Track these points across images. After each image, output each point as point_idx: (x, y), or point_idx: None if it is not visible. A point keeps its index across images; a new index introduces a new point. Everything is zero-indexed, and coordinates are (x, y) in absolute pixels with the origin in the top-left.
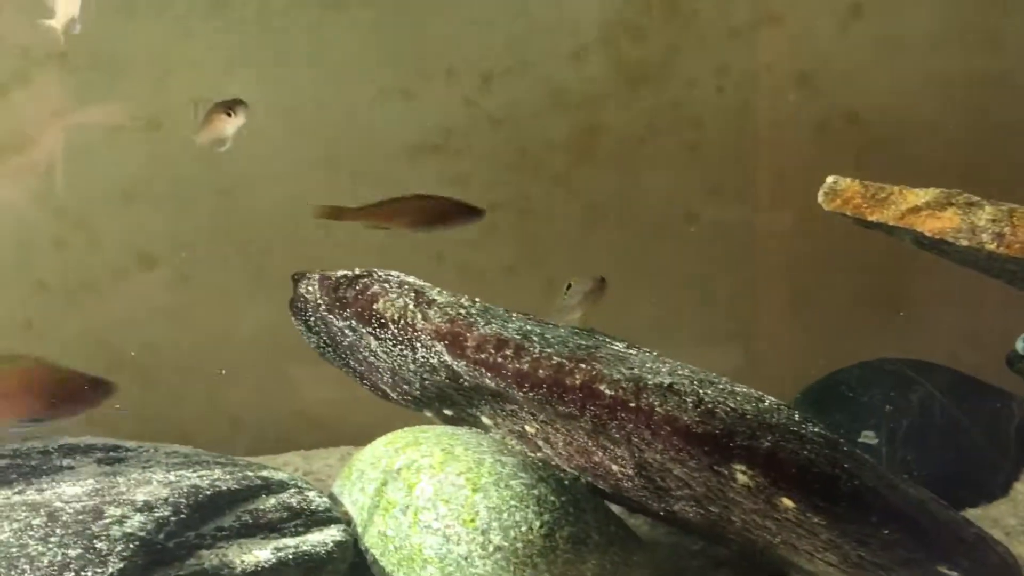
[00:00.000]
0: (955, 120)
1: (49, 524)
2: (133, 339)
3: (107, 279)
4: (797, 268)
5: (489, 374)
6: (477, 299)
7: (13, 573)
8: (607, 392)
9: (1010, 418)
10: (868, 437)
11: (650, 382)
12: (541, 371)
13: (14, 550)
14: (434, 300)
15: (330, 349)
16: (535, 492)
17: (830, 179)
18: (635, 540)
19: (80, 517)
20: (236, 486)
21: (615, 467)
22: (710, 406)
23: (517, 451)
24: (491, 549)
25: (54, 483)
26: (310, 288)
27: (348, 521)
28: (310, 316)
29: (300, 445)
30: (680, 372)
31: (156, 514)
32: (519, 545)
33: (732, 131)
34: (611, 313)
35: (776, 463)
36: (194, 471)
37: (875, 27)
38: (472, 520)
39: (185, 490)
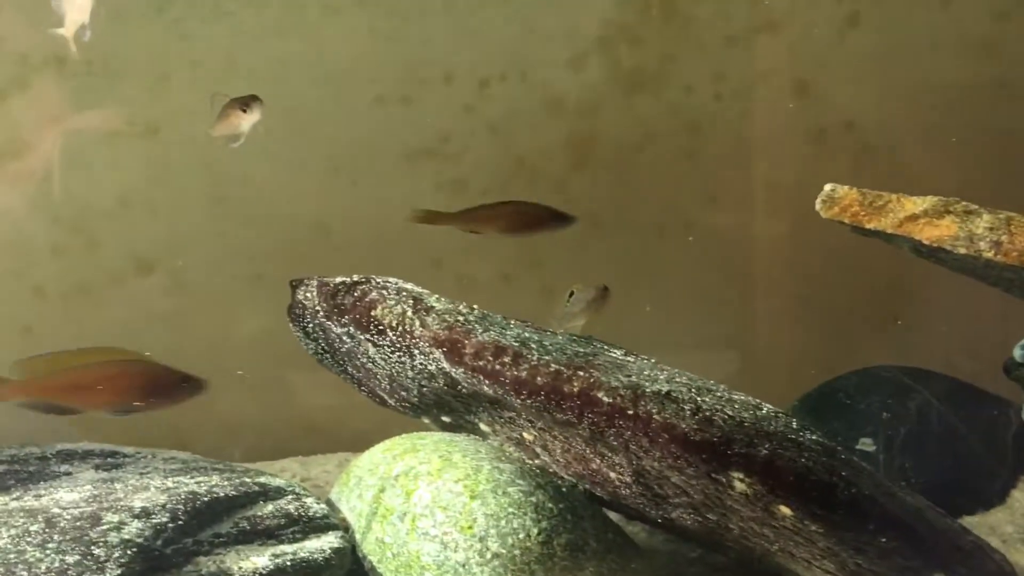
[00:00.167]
0: (952, 128)
1: (47, 530)
2: (130, 345)
3: (105, 285)
4: (795, 275)
5: (487, 381)
6: (475, 306)
7: None
8: (605, 399)
9: (1007, 426)
10: (866, 444)
11: (648, 389)
12: (539, 378)
13: (12, 556)
14: (432, 307)
15: (328, 355)
16: (533, 499)
17: (828, 187)
18: (633, 547)
19: (78, 523)
20: (234, 492)
21: (613, 474)
22: (708, 414)
23: (515, 458)
24: (489, 556)
25: (52, 489)
26: (308, 294)
27: (346, 528)
28: (308, 322)
29: (298, 451)
30: (678, 379)
31: (154, 520)
32: (517, 552)
33: (730, 138)
34: (609, 320)
35: (774, 471)
36: (192, 477)
37: (872, 35)
38: (470, 527)
39: (183, 496)
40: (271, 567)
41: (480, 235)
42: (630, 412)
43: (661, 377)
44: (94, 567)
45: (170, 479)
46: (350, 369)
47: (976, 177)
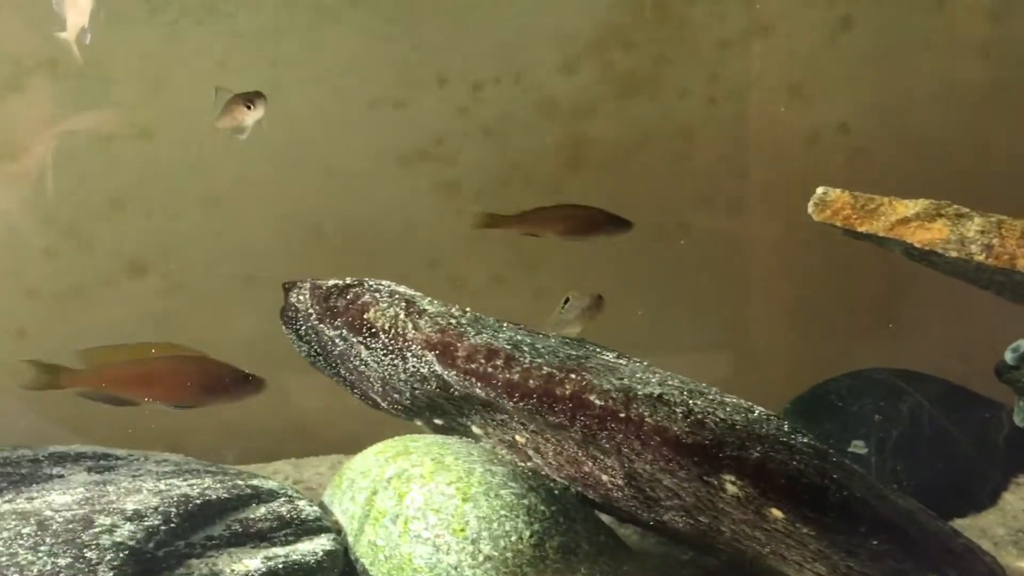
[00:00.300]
0: (945, 131)
1: (39, 533)
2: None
3: (98, 286)
4: (787, 278)
5: (479, 384)
6: (468, 309)
7: None
8: (597, 402)
9: (999, 428)
10: (858, 447)
11: (640, 392)
12: (531, 381)
13: (4, 559)
14: (425, 310)
15: (321, 358)
16: (525, 502)
17: (820, 190)
18: (625, 550)
19: (70, 526)
20: (226, 495)
21: (605, 477)
22: (700, 416)
23: (507, 461)
24: (481, 559)
25: (44, 492)
26: (301, 297)
27: (338, 530)
28: (301, 325)
29: (291, 454)
30: (670, 382)
31: (146, 523)
32: (509, 555)
33: (723, 142)
34: (602, 323)
35: (765, 473)
36: (184, 480)
37: (865, 38)
38: (462, 530)
39: (175, 499)
40: (263, 569)
41: (537, 237)
42: (622, 415)
43: (653, 380)
44: (86, 570)
45: (162, 481)
46: (343, 372)
47: (968, 180)
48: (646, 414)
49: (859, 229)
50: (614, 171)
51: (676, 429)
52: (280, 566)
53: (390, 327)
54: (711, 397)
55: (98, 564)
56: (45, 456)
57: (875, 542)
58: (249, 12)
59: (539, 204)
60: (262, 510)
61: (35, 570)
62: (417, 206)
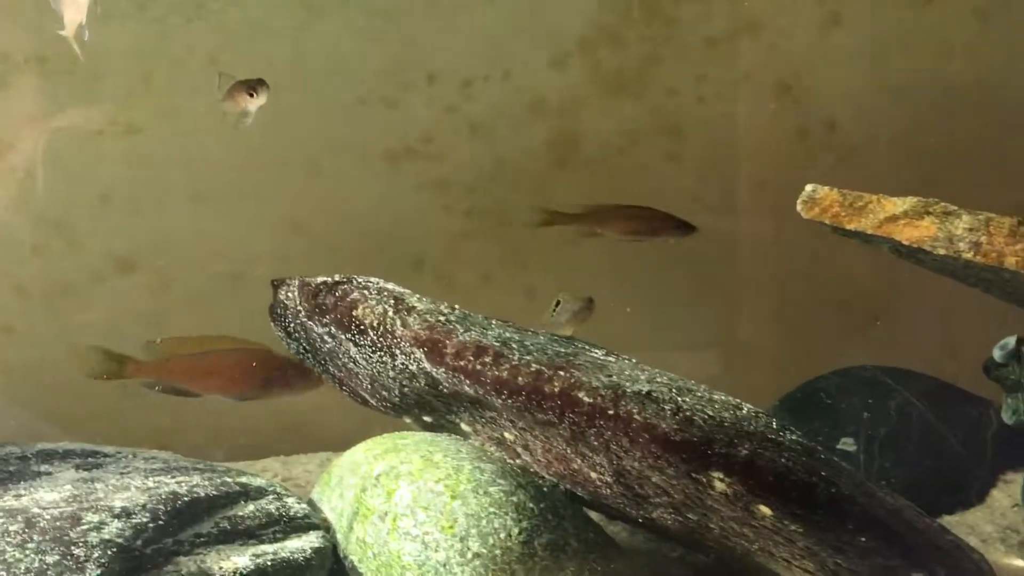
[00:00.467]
0: (934, 129)
1: (26, 530)
2: (111, 343)
3: (86, 284)
4: (776, 276)
5: (468, 381)
6: (456, 306)
7: None
8: (586, 400)
9: (987, 425)
10: (846, 444)
11: (628, 390)
12: (520, 378)
13: None
14: (413, 307)
15: (310, 355)
16: (514, 499)
17: (808, 187)
18: (614, 547)
19: (58, 523)
20: (215, 492)
21: (594, 474)
22: (688, 414)
23: (496, 458)
24: (469, 556)
25: (32, 489)
26: (290, 294)
27: (327, 527)
28: (290, 322)
29: (279, 451)
30: (658, 380)
31: (134, 520)
32: (497, 552)
33: (712, 140)
34: (590, 321)
35: (754, 471)
36: (173, 477)
37: (854, 36)
38: (451, 527)
39: (163, 496)
40: (252, 567)
41: (601, 237)
42: (611, 412)
43: (642, 377)
44: (74, 567)
45: (151, 479)
46: (331, 369)
47: (956, 178)
48: (635, 411)
49: (847, 227)
50: (603, 169)
51: (664, 426)
52: (269, 563)
53: (378, 324)
54: (699, 394)
55: (86, 561)
56: (33, 453)
57: (863, 539)
58: (238, 9)
59: (528, 202)
60: (250, 507)
61: (22, 567)
62: (406, 203)
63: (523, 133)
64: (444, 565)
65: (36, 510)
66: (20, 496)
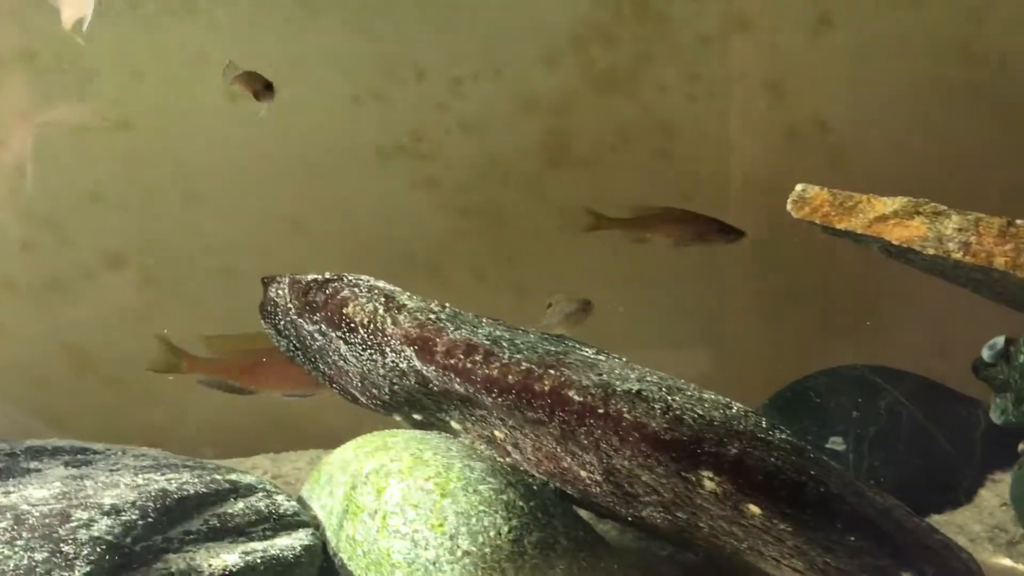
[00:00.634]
0: (923, 129)
1: (15, 527)
2: (101, 340)
3: (76, 280)
4: (766, 275)
5: (458, 379)
6: (447, 304)
7: None
8: (576, 398)
9: (976, 425)
10: (836, 443)
11: (619, 388)
12: (510, 377)
13: None
14: (404, 305)
15: (300, 353)
16: (504, 497)
17: (799, 187)
18: (603, 545)
19: (47, 520)
20: (204, 490)
21: (584, 473)
22: (678, 413)
23: (486, 456)
24: (459, 554)
25: (20, 486)
26: (280, 292)
27: (316, 525)
28: (280, 320)
29: (269, 448)
30: (648, 378)
31: (123, 518)
32: (487, 550)
33: (703, 138)
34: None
35: (743, 470)
36: (162, 474)
37: (845, 36)
38: (440, 525)
39: (153, 493)
40: (241, 564)
41: (645, 242)
42: (601, 411)
43: (632, 376)
44: (63, 564)
45: (140, 476)
46: (322, 366)
47: (946, 178)
48: (625, 410)
49: (838, 226)
50: (594, 167)
51: (655, 425)
52: (258, 561)
53: (369, 322)
54: (689, 393)
55: (75, 559)
56: (22, 450)
57: (852, 538)
58: (228, 7)
59: (519, 200)
60: (240, 505)
61: (11, 564)
62: (397, 201)
63: (515, 131)
64: (434, 563)
65: (25, 507)
66: (9, 493)
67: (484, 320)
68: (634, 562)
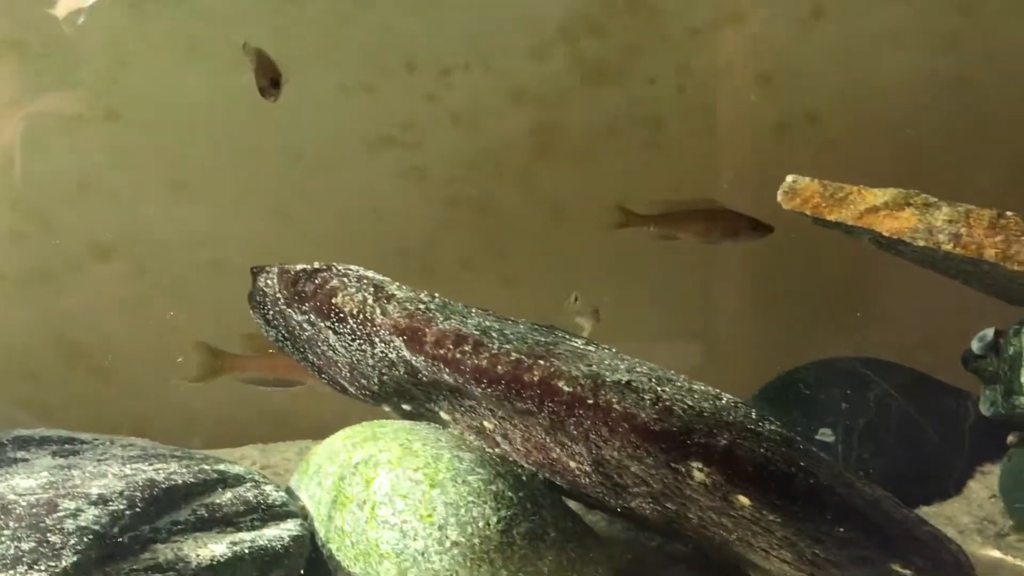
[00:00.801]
0: (914, 121)
1: (2, 517)
2: (89, 330)
3: (63, 270)
4: (756, 267)
5: (447, 370)
6: (436, 294)
7: None
8: (565, 389)
9: (965, 417)
10: (825, 435)
11: (608, 379)
12: (499, 367)
13: None
14: (393, 295)
15: (289, 343)
16: (493, 488)
17: (789, 178)
18: (592, 536)
19: (34, 510)
20: (192, 480)
21: (573, 463)
22: (668, 403)
23: (475, 447)
24: (448, 544)
25: (8, 475)
26: (269, 282)
27: (305, 515)
28: (269, 310)
29: (258, 439)
30: (638, 369)
31: (111, 507)
32: (476, 541)
33: (693, 130)
34: (571, 309)
35: (733, 461)
36: (150, 464)
37: (836, 28)
38: (429, 515)
39: (140, 483)
40: (229, 555)
41: (674, 241)
42: (590, 401)
43: (622, 367)
44: (50, 554)
45: (128, 466)
46: (311, 356)
47: (936, 170)
48: (614, 401)
49: (828, 217)
50: (583, 158)
51: (644, 416)
52: (246, 551)
53: (358, 312)
54: (679, 384)
55: (62, 548)
56: (9, 440)
57: (841, 529)
58: None
59: (508, 191)
60: (228, 495)
61: None
62: (386, 191)
63: (503, 122)
64: (423, 554)
65: (12, 497)
66: None
67: (474, 310)
68: (623, 553)
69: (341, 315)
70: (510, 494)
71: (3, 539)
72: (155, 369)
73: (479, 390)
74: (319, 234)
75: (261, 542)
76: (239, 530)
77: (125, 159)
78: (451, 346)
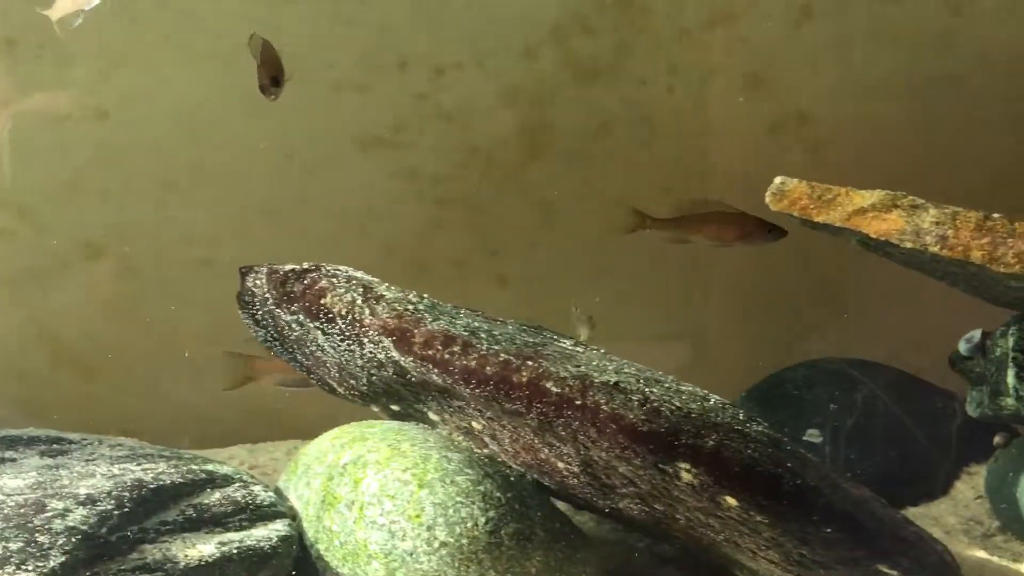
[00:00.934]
0: (903, 122)
1: None
2: (78, 330)
3: (53, 269)
4: (744, 268)
5: (436, 370)
6: (425, 295)
7: None
8: (553, 390)
9: (952, 418)
10: (812, 436)
11: (596, 380)
12: (488, 368)
13: None
14: (382, 295)
15: (278, 343)
16: (481, 488)
17: (778, 180)
18: (580, 537)
19: (22, 510)
20: (180, 480)
21: (561, 464)
22: (656, 404)
23: (464, 447)
24: (436, 545)
25: None
26: (258, 282)
27: (293, 516)
28: (257, 310)
29: (246, 439)
30: (626, 370)
31: (99, 508)
32: (464, 541)
33: (683, 130)
34: (560, 310)
35: (720, 461)
36: (138, 464)
37: (826, 28)
38: (418, 516)
39: (129, 484)
40: (217, 555)
41: (687, 244)
42: (578, 402)
43: (610, 368)
44: (37, 554)
45: (116, 466)
46: (300, 357)
47: (925, 171)
48: (602, 402)
49: (816, 219)
50: (574, 158)
51: (632, 417)
52: (234, 551)
53: (347, 312)
54: (667, 385)
55: (50, 549)
56: None
57: (828, 530)
58: None
59: (500, 190)
60: (216, 495)
61: None
62: (376, 190)
63: (495, 121)
64: (411, 554)
65: (0, 497)
66: None
67: (463, 311)
68: (611, 554)
69: (330, 315)
70: (498, 495)
71: None
72: (144, 369)
73: (467, 391)
74: (310, 233)
75: (249, 542)
76: (227, 530)
77: (115, 158)
78: (440, 347)
